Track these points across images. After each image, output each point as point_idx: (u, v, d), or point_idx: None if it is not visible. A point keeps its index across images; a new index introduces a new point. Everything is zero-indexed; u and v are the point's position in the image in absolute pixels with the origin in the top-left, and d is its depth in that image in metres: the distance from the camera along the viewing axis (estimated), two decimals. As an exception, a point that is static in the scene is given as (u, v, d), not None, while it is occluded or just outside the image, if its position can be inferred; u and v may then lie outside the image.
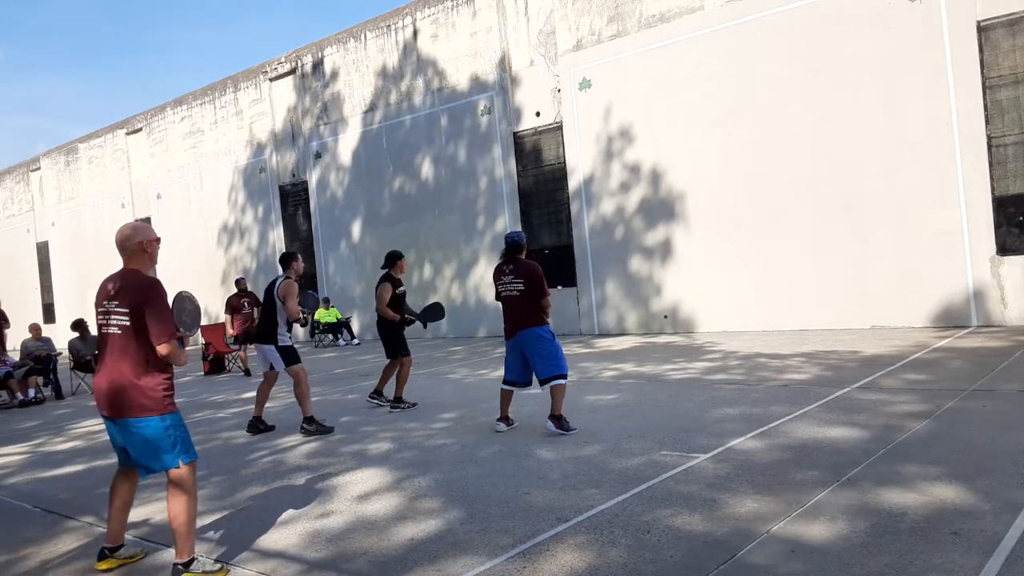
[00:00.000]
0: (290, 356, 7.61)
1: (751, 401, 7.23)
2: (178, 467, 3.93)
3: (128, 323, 3.88)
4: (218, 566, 4.03)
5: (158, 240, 4.13)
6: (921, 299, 11.54)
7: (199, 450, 7.31)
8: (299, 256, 7.92)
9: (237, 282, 14.52)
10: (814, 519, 4.02)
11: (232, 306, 13.92)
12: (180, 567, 3.90)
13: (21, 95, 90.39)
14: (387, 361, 8.78)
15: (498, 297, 6.89)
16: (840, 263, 12.21)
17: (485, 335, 16.80)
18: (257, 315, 14.17)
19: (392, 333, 8.52)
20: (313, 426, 7.55)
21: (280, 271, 7.91)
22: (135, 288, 3.91)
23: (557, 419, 6.53)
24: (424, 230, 17.98)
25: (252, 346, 14.11)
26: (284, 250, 21.34)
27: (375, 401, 8.80)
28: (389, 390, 8.88)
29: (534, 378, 6.82)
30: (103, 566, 4.20)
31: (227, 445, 7.49)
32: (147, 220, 25.39)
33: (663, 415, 6.98)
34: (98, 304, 4.04)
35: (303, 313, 7.78)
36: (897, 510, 4.04)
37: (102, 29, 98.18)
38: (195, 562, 3.94)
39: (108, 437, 4.19)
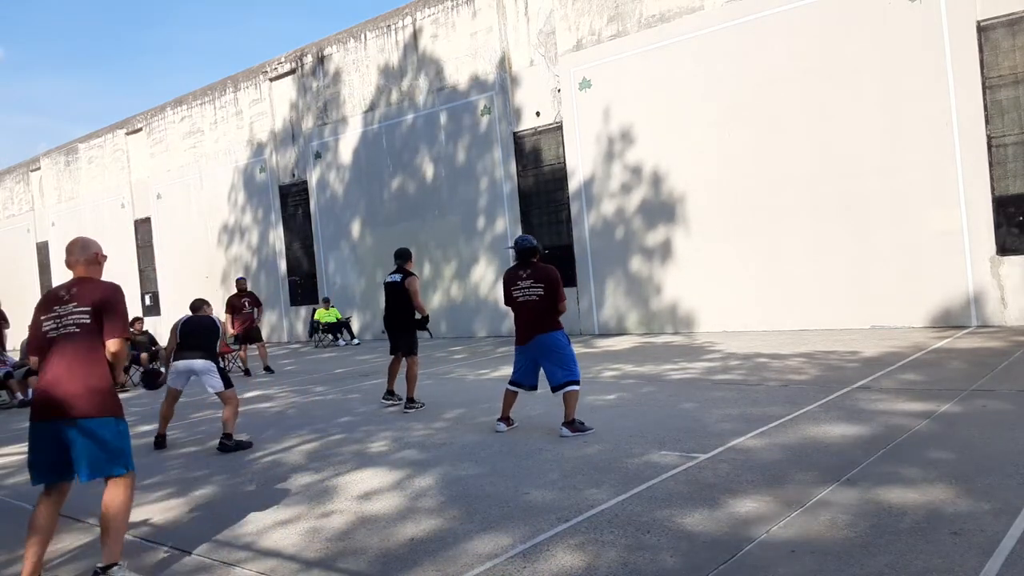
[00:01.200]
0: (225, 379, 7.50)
1: (751, 401, 7.23)
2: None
3: (88, 322, 3.89)
4: None
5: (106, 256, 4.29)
6: (921, 299, 11.54)
7: (200, 449, 7.34)
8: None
9: (237, 282, 14.50)
10: (814, 519, 4.02)
11: (232, 306, 13.92)
12: (100, 570, 3.85)
13: (21, 95, 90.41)
14: (390, 359, 8.82)
15: (512, 302, 6.74)
16: (840, 263, 12.21)
17: (485, 335, 16.80)
18: (257, 315, 14.23)
19: (413, 329, 8.47)
20: (232, 442, 7.18)
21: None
22: (95, 289, 4.00)
23: (571, 423, 6.51)
24: (424, 230, 17.98)
25: (253, 345, 14.17)
26: (282, 249, 21.37)
27: (390, 401, 8.75)
28: (400, 388, 8.85)
29: (533, 383, 6.87)
30: None
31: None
32: (147, 220, 25.42)
33: (663, 415, 6.98)
34: (46, 310, 4.01)
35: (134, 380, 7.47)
36: (897, 510, 4.04)
37: (102, 29, 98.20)
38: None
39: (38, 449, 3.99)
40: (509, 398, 6.93)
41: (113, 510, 3.88)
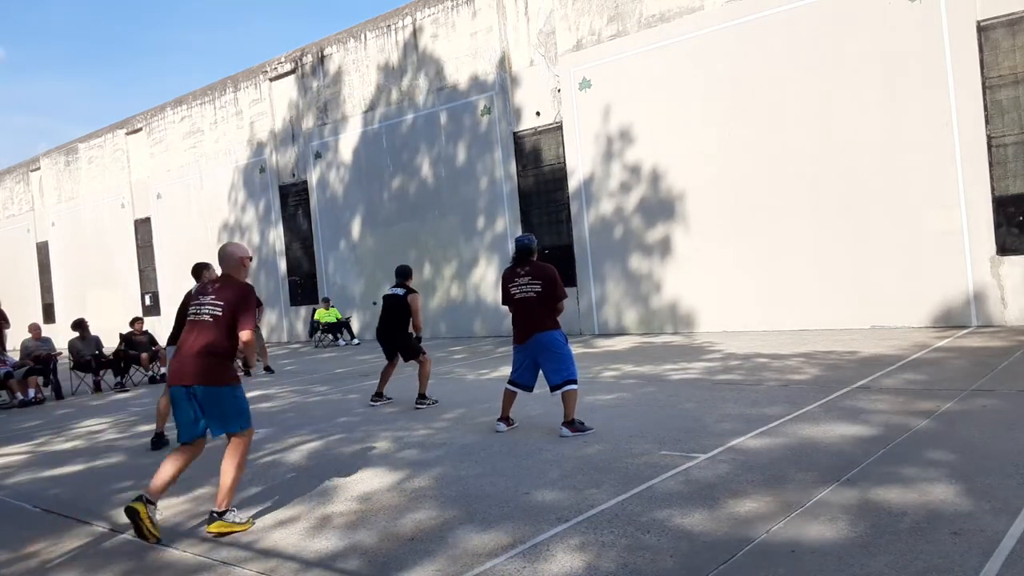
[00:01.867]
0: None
1: (751, 401, 7.23)
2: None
3: (221, 314, 4.78)
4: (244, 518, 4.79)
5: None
6: (921, 299, 11.54)
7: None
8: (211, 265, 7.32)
9: None
10: (814, 519, 4.02)
11: None
12: (217, 515, 4.68)
13: (21, 95, 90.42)
14: (386, 363, 9.01)
15: (509, 300, 6.76)
16: (840, 263, 12.21)
17: (484, 335, 16.81)
18: (259, 315, 14.20)
19: (409, 337, 8.69)
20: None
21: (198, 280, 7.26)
22: (232, 289, 4.90)
23: (571, 423, 6.52)
24: (424, 230, 17.98)
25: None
26: (282, 249, 21.37)
27: (379, 402, 8.92)
28: (393, 391, 8.91)
29: (532, 383, 6.89)
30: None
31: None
32: (147, 220, 25.43)
33: (663, 415, 6.98)
34: (195, 299, 4.97)
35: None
36: (897, 510, 4.04)
37: (102, 29, 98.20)
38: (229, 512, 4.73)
39: (177, 412, 4.77)
40: (508, 398, 6.93)
41: (228, 462, 4.75)
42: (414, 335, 8.63)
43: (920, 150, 11.46)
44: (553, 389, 6.62)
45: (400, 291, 8.61)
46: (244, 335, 4.72)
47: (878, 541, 3.67)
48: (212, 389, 4.68)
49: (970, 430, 5.51)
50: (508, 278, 6.81)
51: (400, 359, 8.85)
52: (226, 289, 4.83)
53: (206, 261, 7.62)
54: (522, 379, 6.85)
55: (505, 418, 6.94)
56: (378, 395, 8.97)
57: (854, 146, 12.01)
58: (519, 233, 16.19)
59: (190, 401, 4.70)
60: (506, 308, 7.00)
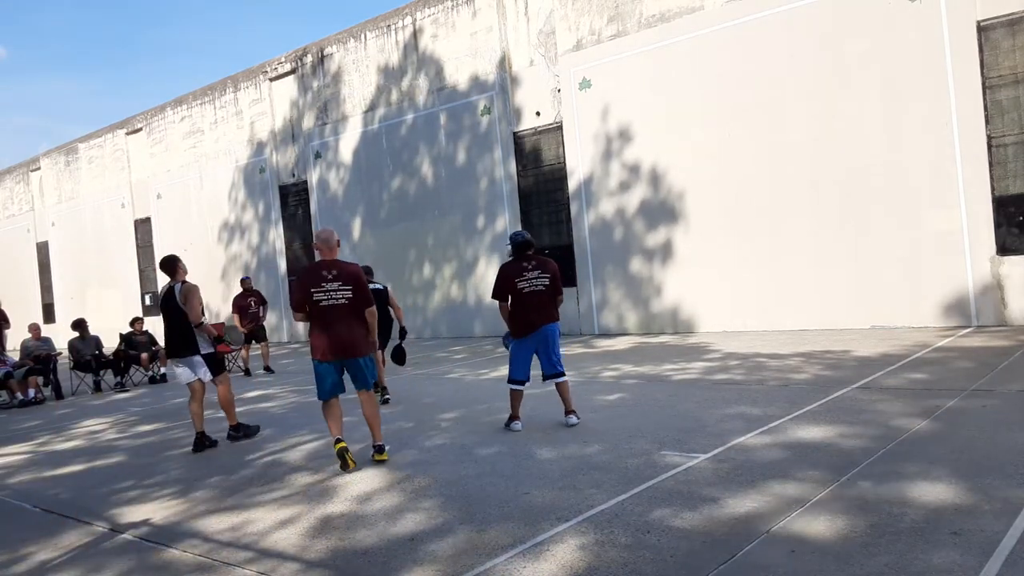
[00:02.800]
0: (216, 364, 7.47)
1: (751, 401, 7.23)
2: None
3: (351, 296, 6.05)
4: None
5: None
6: (921, 299, 11.54)
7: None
8: (181, 259, 7.58)
9: (243, 281, 14.39)
10: (814, 519, 4.02)
11: (239, 306, 13.88)
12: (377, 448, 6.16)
13: (21, 95, 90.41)
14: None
15: (514, 294, 6.76)
16: (840, 263, 12.21)
17: (484, 335, 16.80)
18: (263, 313, 14.17)
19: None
20: (241, 431, 7.61)
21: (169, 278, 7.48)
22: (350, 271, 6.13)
23: (574, 411, 6.84)
24: (424, 230, 17.98)
25: (256, 345, 14.14)
26: (282, 249, 21.37)
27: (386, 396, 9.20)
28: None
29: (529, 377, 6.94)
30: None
31: (227, 445, 7.49)
32: (147, 220, 25.43)
33: (663, 415, 6.98)
34: (315, 284, 5.98)
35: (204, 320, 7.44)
36: (897, 510, 4.04)
37: (102, 29, 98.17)
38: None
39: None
40: (517, 396, 6.94)
41: (370, 410, 6.16)
42: (401, 329, 9.20)
43: (920, 150, 11.45)
44: (551, 377, 6.87)
45: (380, 286, 9.21)
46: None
47: (878, 541, 3.67)
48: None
49: (970, 430, 5.51)
50: (514, 272, 6.78)
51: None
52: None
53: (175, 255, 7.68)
54: (526, 375, 6.90)
55: (517, 416, 6.94)
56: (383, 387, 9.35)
57: (854, 146, 12.01)
58: (519, 233, 16.19)
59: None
60: (493, 302, 7.09)
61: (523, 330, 6.81)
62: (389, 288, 9.64)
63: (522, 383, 6.90)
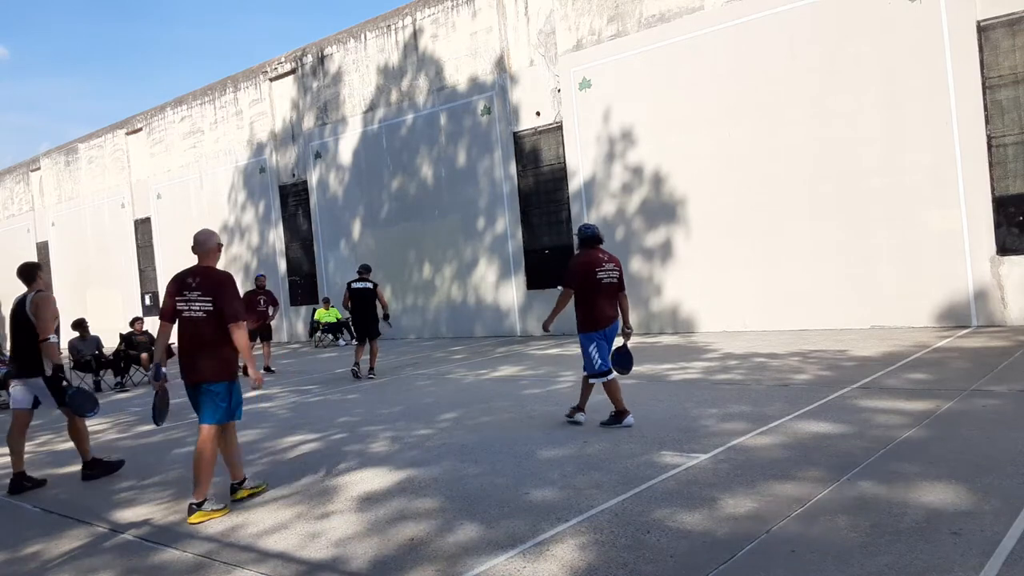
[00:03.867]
0: (58, 391, 6.20)
1: (751, 401, 7.23)
2: None
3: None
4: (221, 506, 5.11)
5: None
6: (921, 299, 11.54)
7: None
8: (42, 267, 6.70)
9: (257, 279, 14.17)
10: (814, 519, 4.02)
11: (247, 301, 13.70)
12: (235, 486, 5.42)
13: (21, 95, 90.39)
14: (362, 346, 11.59)
15: (596, 284, 6.58)
16: (840, 263, 12.21)
17: (484, 335, 16.80)
18: (272, 313, 13.94)
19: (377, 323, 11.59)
20: (98, 469, 6.61)
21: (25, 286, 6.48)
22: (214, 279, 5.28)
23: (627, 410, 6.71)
24: (424, 230, 17.98)
25: (259, 344, 14.08)
26: (282, 249, 21.37)
27: (372, 377, 11.37)
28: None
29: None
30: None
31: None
32: (147, 220, 25.43)
33: (663, 415, 6.98)
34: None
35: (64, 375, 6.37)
36: (897, 510, 4.04)
37: (102, 29, 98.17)
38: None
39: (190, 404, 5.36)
40: (616, 386, 6.70)
41: (218, 449, 5.27)
42: (385, 315, 11.47)
43: (920, 150, 11.45)
44: (622, 371, 6.93)
45: (368, 284, 11.45)
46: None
47: (878, 541, 3.66)
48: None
49: (970, 430, 5.51)
50: (595, 262, 6.63)
51: (375, 338, 11.53)
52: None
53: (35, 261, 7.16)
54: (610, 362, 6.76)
55: (626, 410, 6.69)
56: (359, 368, 11.48)
57: (854, 146, 12.01)
58: (519, 233, 16.23)
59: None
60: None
61: (601, 323, 6.62)
62: (378, 287, 11.63)
63: (611, 372, 6.69)
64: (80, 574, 4.27)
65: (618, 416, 6.64)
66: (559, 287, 7.05)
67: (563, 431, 6.66)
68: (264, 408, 9.66)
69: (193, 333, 5.11)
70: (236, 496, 5.33)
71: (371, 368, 11.53)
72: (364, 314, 11.41)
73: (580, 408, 6.93)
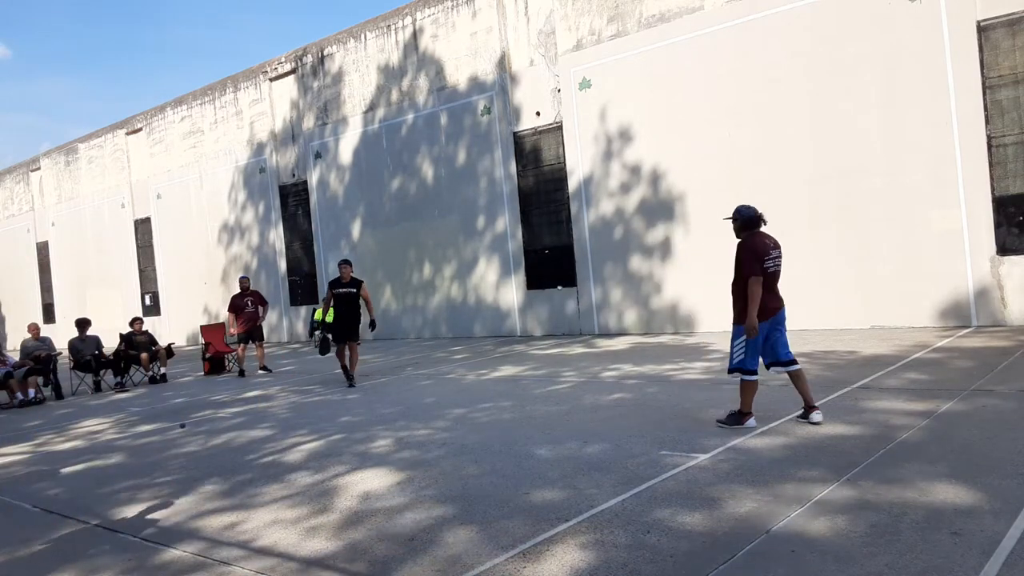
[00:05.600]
0: None
1: (751, 401, 7.21)
2: None
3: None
4: None
5: None
6: (921, 299, 11.54)
7: (200, 449, 7.35)
8: None
9: (240, 280, 14.36)
10: (814, 519, 4.02)
11: (235, 306, 13.87)
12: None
13: (21, 95, 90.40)
14: (352, 348, 11.26)
15: (762, 273, 5.99)
16: (840, 263, 12.20)
17: (484, 335, 16.80)
18: (262, 313, 14.15)
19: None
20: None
21: None
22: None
23: (816, 407, 6.14)
24: (424, 230, 17.98)
25: (253, 345, 14.13)
26: (282, 249, 21.36)
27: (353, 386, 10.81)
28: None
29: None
30: None
31: (227, 445, 7.49)
32: (147, 220, 25.43)
33: (663, 415, 6.98)
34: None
35: None
36: (897, 510, 4.04)
37: (102, 29, 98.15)
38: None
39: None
40: (753, 388, 6.17)
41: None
42: (367, 324, 11.14)
43: (920, 150, 11.45)
44: (784, 364, 6.18)
45: (352, 289, 11.17)
46: None
47: (878, 541, 3.67)
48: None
49: (970, 430, 5.51)
50: (767, 247, 6.07)
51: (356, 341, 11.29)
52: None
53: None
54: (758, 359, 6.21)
55: (751, 412, 6.21)
56: (351, 377, 10.97)
57: (854, 146, 12.01)
58: (519, 233, 16.21)
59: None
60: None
61: (765, 314, 6.05)
62: (363, 286, 11.41)
63: (755, 372, 6.16)
64: (80, 574, 4.27)
65: (742, 415, 6.18)
66: (749, 276, 6.00)
67: (563, 431, 6.65)
68: (264, 408, 9.66)
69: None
70: None
71: (351, 376, 10.97)
72: (348, 318, 11.13)
73: (746, 413, 6.20)
